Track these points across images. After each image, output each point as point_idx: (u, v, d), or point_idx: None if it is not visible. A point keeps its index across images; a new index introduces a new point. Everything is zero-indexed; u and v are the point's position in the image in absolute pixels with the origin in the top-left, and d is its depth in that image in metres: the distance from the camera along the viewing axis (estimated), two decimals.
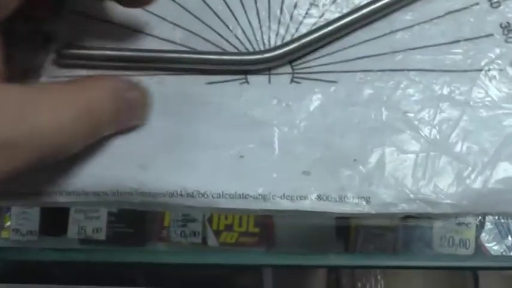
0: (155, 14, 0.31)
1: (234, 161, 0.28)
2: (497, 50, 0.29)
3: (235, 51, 0.30)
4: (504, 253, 0.61)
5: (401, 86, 0.29)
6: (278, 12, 0.30)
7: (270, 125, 0.29)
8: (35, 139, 0.22)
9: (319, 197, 0.27)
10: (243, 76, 0.30)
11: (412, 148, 0.28)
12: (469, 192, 0.27)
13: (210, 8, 0.31)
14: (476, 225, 0.62)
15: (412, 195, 0.27)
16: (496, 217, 0.64)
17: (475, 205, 0.27)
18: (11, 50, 0.25)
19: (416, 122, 0.28)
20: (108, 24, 0.30)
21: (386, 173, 0.27)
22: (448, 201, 0.27)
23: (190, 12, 0.31)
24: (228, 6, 0.31)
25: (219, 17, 0.31)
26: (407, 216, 0.27)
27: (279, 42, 0.30)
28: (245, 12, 0.31)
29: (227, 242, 0.71)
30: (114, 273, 0.72)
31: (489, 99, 0.28)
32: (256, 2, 0.31)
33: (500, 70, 0.29)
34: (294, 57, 0.30)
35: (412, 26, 0.30)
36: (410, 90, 0.29)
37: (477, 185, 0.27)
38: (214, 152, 0.28)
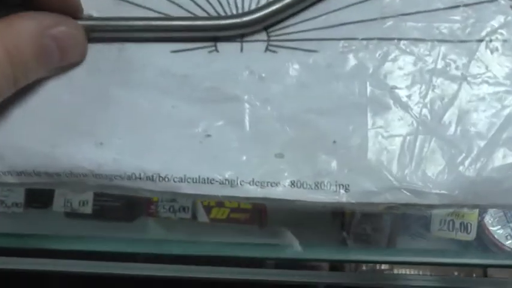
0: None
1: (199, 141, 0.27)
2: (501, 18, 0.27)
3: (205, 15, 0.28)
4: (509, 237, 0.59)
5: (390, 57, 0.27)
6: None
7: (241, 99, 0.27)
8: None
9: (292, 184, 0.26)
10: (212, 44, 0.28)
11: (399, 129, 0.26)
12: (461, 181, 0.25)
13: None
14: None
15: (396, 183, 0.25)
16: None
17: (467, 196, 0.25)
18: None
19: (405, 99, 0.26)
20: None
21: (368, 157, 0.26)
22: (437, 190, 0.25)
23: None
24: None
25: None
26: (389, 207, 0.25)
27: (253, 6, 0.28)
28: None
29: (218, 218, 0.70)
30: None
31: (489, 74, 0.26)
32: None
33: (504, 41, 0.27)
34: (270, 22, 0.28)
35: None
36: (400, 63, 0.27)
37: (471, 173, 0.25)
38: (177, 130, 0.27)
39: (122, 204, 0.77)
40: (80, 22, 0.27)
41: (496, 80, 0.26)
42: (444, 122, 0.26)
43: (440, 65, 0.27)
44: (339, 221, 0.62)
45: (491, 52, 0.27)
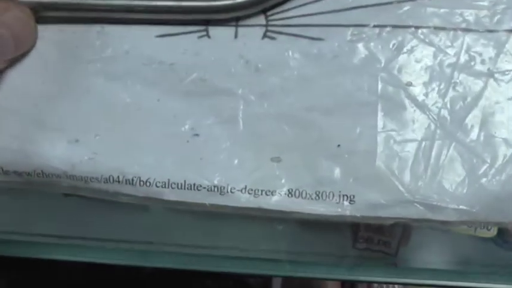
0: None
1: (186, 140, 0.26)
2: None
3: None
4: None
5: (406, 48, 0.25)
6: None
7: (234, 94, 0.26)
8: None
9: (290, 193, 0.25)
10: (203, 28, 0.27)
11: (414, 133, 0.25)
12: (483, 196, 0.24)
13: None
14: None
15: (408, 196, 0.24)
16: None
17: (490, 213, 0.24)
18: None
19: (421, 98, 0.25)
20: None
21: (377, 164, 0.25)
22: (455, 206, 0.24)
23: None
24: None
25: None
26: (397, 223, 0.24)
27: None
28: None
29: None
30: None
31: None
32: None
33: None
34: (269, 4, 0.26)
35: None
36: (417, 54, 0.25)
37: (495, 186, 0.24)
38: (161, 127, 0.26)
39: None
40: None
41: None
42: (466, 125, 0.25)
43: (463, 58, 0.25)
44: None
45: None
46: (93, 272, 0.53)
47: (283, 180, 0.25)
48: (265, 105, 0.25)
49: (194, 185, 0.25)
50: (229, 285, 0.55)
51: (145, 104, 0.26)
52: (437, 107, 0.25)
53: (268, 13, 0.26)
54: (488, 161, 0.24)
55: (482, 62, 0.25)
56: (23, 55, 0.26)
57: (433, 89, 0.25)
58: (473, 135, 0.24)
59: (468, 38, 0.25)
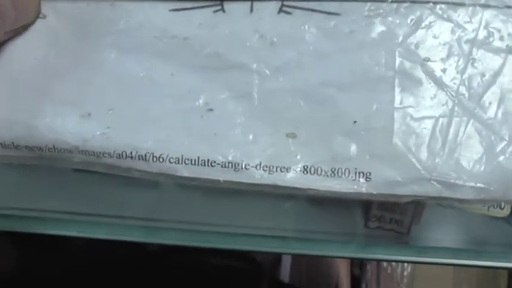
0: None
1: (200, 116, 0.25)
2: None
3: None
4: None
5: (424, 23, 0.25)
6: None
7: (248, 68, 0.25)
8: None
9: (305, 169, 0.25)
10: (219, 2, 0.26)
11: (431, 110, 0.24)
12: (500, 174, 0.24)
13: None
14: None
15: (425, 173, 0.24)
16: None
17: (506, 191, 0.24)
18: None
19: (439, 74, 0.24)
20: None
21: (394, 141, 0.24)
22: (472, 183, 0.24)
23: None
24: None
25: None
26: (413, 201, 0.24)
27: None
28: None
29: None
30: None
31: None
32: None
33: None
34: None
35: None
36: (435, 30, 0.25)
37: None
38: (175, 102, 0.25)
39: None
40: None
41: None
42: (484, 102, 0.24)
43: (482, 34, 0.25)
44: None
45: None
46: (95, 251, 0.53)
47: (298, 157, 0.24)
48: (281, 79, 0.25)
49: (208, 160, 0.25)
50: (238, 263, 0.55)
51: (158, 78, 0.26)
52: (455, 83, 0.24)
53: None
54: (506, 138, 0.24)
55: (501, 38, 0.24)
56: (25, 27, 0.26)
57: (450, 65, 0.24)
58: (491, 112, 0.24)
59: (487, 14, 0.25)
